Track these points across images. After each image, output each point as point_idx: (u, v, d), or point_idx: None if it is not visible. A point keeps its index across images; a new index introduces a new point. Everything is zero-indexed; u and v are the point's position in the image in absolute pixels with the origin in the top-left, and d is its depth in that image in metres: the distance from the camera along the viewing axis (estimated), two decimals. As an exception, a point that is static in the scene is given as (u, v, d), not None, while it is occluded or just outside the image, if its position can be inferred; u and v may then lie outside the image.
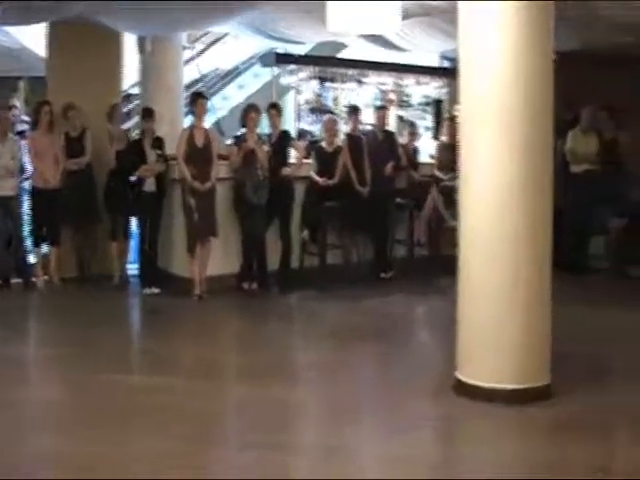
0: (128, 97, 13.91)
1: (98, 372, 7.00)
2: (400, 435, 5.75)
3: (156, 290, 10.28)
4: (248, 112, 10.44)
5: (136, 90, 13.74)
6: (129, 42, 12.23)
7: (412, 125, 12.83)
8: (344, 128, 12.31)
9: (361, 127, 12.19)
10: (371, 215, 11.06)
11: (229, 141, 11.37)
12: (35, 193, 10.55)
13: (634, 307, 9.45)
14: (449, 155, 10.64)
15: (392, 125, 13.70)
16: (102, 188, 10.77)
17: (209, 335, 8.69)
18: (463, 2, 6.38)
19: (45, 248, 10.71)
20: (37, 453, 5.39)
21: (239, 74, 17.12)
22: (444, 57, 14.94)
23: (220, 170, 10.21)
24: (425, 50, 13.54)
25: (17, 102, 13.85)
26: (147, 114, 10.66)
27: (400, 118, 14.54)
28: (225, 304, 9.99)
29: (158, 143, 10.44)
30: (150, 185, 10.34)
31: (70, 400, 6.49)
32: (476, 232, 6.36)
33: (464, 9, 6.40)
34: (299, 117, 14.74)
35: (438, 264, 11.17)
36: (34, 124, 10.68)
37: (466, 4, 6.36)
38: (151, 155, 10.34)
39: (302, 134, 13.79)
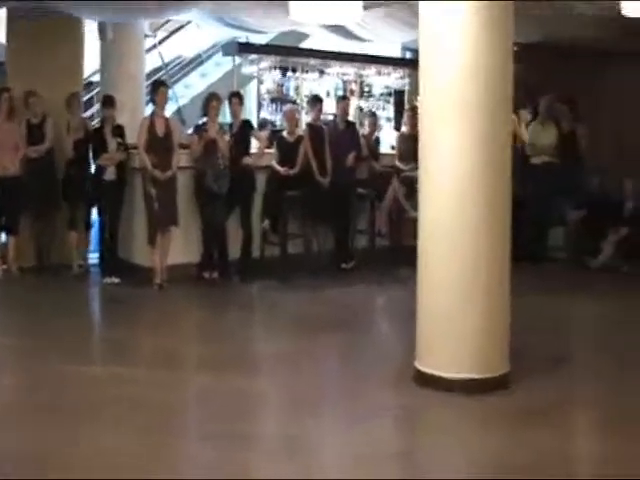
0: (89, 84, 13.80)
1: (57, 363, 6.96)
2: (361, 425, 5.77)
3: (116, 279, 10.22)
4: (210, 101, 10.42)
5: (97, 78, 13.65)
6: (90, 29, 12.14)
7: (373, 115, 12.83)
8: (305, 118, 12.30)
9: (323, 117, 12.21)
10: (332, 205, 11.07)
11: (190, 130, 11.34)
12: (-7, 182, 10.44)
13: (591, 297, 9.57)
14: (410, 146, 10.68)
15: (352, 115, 13.75)
16: (62, 176, 10.69)
17: (170, 325, 8.65)
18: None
19: (3, 237, 10.61)
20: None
21: (201, 63, 17.05)
22: (406, 48, 15.00)
23: (181, 159, 10.18)
24: (387, 41, 13.57)
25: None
26: (107, 102, 10.58)
27: (360, 109, 14.56)
28: (186, 293, 9.97)
29: (119, 131, 10.37)
30: (111, 174, 10.28)
31: (29, 392, 6.42)
32: (436, 223, 6.39)
33: (425, 4, 6.42)
34: (260, 107, 14.71)
35: (399, 255, 11.22)
36: (-7, 111, 10.54)
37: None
38: (112, 143, 10.28)
39: (264, 124, 13.78)
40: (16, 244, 10.51)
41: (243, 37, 14.68)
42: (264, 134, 11.83)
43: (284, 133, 11.29)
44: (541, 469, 5.01)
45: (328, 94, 14.91)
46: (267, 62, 14.60)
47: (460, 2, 6.18)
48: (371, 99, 15.59)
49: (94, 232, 10.96)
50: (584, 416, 6.17)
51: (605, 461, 5.20)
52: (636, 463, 5.07)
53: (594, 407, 6.25)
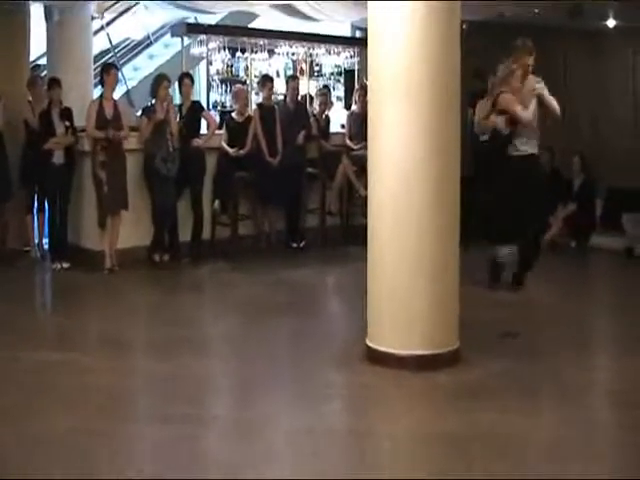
0: (36, 67, 13.64)
1: (6, 348, 6.88)
2: (311, 404, 5.79)
3: (66, 264, 10.12)
4: (159, 82, 10.34)
5: (44, 61, 13.50)
6: (36, 11, 12.00)
7: (324, 94, 12.69)
8: (255, 98, 12.26)
9: (274, 97, 12.19)
10: (283, 185, 11.05)
11: (139, 112, 11.27)
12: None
13: (541, 273, 9.63)
14: (360, 125, 10.71)
15: (310, 94, 13.75)
16: (17, 160, 10.55)
17: (119, 309, 8.57)
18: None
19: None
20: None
21: (149, 44, 16.94)
22: (356, 27, 14.99)
23: (130, 141, 10.10)
24: (336, 20, 13.56)
25: None
26: (53, 83, 10.40)
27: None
28: (136, 277, 9.90)
29: (67, 114, 10.24)
30: (59, 158, 10.17)
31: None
32: (384, 202, 6.41)
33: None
34: (210, 88, 14.64)
35: (349, 233, 11.30)
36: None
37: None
38: (60, 127, 10.16)
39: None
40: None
41: (192, 18, 14.61)
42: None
43: (233, 114, 11.28)
44: (481, 442, 5.10)
45: (278, 74, 14.89)
46: (216, 43, 14.52)
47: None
48: (321, 78, 15.56)
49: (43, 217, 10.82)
50: (530, 393, 6.21)
51: (546, 438, 5.24)
52: (576, 443, 5.14)
53: (541, 384, 6.30)
